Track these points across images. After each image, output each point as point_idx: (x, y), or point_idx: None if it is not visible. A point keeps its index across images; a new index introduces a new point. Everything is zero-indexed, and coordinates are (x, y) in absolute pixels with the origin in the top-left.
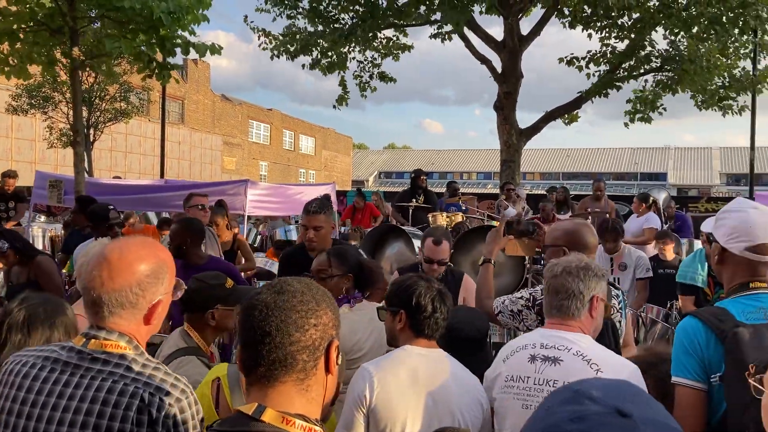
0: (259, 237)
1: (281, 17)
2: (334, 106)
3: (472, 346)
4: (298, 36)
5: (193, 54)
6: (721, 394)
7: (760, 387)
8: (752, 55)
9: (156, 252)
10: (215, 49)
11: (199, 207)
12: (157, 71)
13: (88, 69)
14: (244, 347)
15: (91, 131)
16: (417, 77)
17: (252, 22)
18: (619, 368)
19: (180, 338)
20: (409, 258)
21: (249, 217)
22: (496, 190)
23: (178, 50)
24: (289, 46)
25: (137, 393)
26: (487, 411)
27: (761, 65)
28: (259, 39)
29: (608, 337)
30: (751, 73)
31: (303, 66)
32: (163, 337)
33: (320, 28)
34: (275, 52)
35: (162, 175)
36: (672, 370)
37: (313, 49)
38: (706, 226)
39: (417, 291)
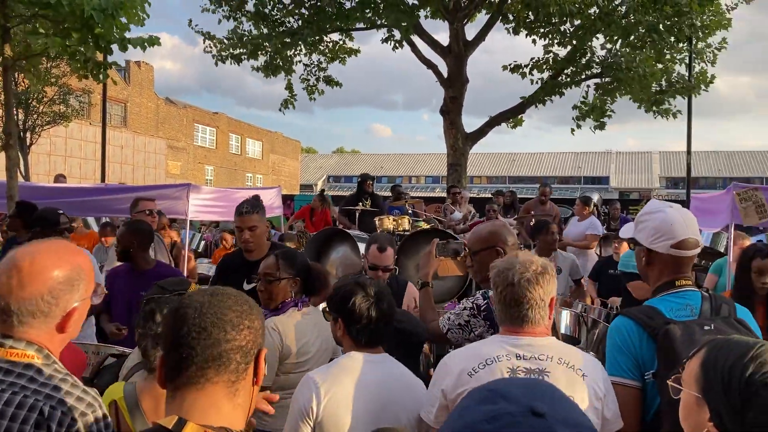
0: (203, 242)
1: (227, 20)
2: (281, 110)
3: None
4: (244, 38)
5: (132, 53)
6: (654, 390)
7: (678, 386)
8: (687, 60)
9: (70, 257)
10: (153, 41)
11: (147, 212)
12: (93, 71)
13: (23, 70)
14: (174, 348)
15: (28, 135)
16: (366, 82)
17: (197, 25)
18: (593, 364)
19: None
20: (354, 262)
21: (192, 223)
22: (444, 194)
23: (115, 48)
24: (233, 50)
25: (36, 406)
26: None
27: (696, 69)
28: (204, 42)
29: None
30: (687, 77)
31: (253, 68)
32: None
33: (265, 31)
34: (220, 56)
35: (103, 179)
36: (606, 369)
37: (260, 53)
38: (626, 233)
39: (352, 300)
